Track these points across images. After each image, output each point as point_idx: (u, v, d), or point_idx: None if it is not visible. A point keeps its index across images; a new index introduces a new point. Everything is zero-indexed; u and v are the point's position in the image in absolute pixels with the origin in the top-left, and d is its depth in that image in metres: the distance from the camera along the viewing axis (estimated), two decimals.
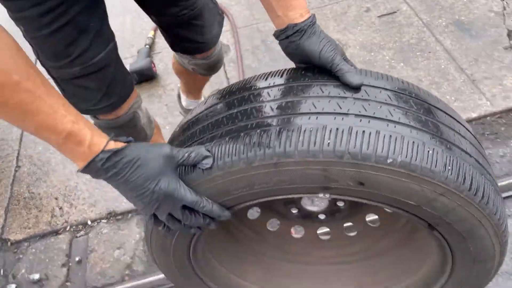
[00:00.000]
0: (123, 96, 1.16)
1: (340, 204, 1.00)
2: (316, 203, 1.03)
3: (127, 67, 2.20)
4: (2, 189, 1.90)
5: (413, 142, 0.66)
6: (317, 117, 0.69)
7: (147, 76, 2.19)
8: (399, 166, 0.66)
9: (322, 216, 1.06)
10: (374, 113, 0.69)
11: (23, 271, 1.62)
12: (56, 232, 1.71)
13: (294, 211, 1.05)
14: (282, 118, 0.71)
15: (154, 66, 2.25)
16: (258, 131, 0.70)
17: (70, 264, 1.61)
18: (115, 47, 1.09)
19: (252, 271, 1.13)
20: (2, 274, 1.62)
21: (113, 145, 0.69)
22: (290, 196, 0.78)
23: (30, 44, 1.00)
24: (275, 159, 0.68)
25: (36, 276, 1.57)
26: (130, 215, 1.71)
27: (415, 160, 0.65)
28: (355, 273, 1.13)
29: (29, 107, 0.64)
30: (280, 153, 0.67)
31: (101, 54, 1.02)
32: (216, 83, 2.08)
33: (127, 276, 1.54)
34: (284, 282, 1.14)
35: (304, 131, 0.67)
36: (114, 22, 2.76)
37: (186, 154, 0.72)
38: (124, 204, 1.74)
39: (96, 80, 1.06)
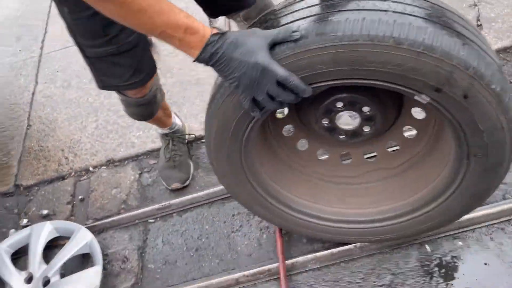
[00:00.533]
0: (150, 72, 1.32)
1: (366, 129, 1.10)
2: (349, 122, 1.12)
3: None
4: (15, 144, 2.14)
5: (507, 80, 0.86)
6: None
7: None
8: (496, 94, 0.83)
9: (342, 136, 1.14)
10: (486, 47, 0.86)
11: (33, 209, 1.85)
12: (62, 178, 1.94)
13: (325, 122, 1.10)
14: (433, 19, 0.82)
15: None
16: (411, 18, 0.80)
17: (74, 202, 1.84)
18: None
19: (295, 184, 1.28)
20: (16, 212, 1.86)
21: (215, 31, 0.82)
22: (394, 86, 0.86)
23: (68, 25, 1.15)
24: (421, 48, 0.79)
25: (45, 212, 1.80)
26: (126, 161, 1.92)
27: (505, 92, 0.84)
28: (376, 190, 1.28)
29: (155, 8, 0.79)
30: (428, 45, 0.78)
31: (134, 35, 1.17)
32: None
33: (123, 209, 1.75)
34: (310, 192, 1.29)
35: (449, 37, 0.80)
36: None
37: (276, 31, 0.83)
38: (121, 152, 1.95)
39: (129, 58, 1.20)
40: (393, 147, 1.28)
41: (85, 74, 2.39)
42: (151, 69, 1.32)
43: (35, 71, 2.50)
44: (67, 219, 1.77)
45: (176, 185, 1.73)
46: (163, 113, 1.64)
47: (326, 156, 1.32)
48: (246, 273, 1.43)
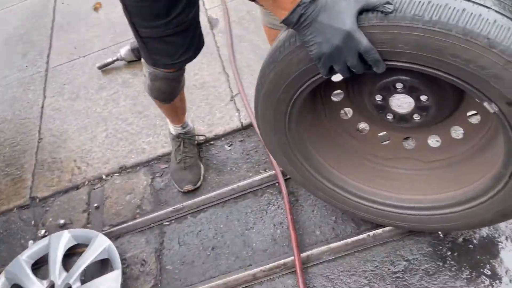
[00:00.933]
0: (198, 50, 1.38)
1: (416, 117, 1.09)
2: (402, 106, 1.11)
3: (128, 46, 2.46)
4: (28, 158, 2.18)
5: None
6: None
7: None
8: None
9: (390, 117, 1.13)
10: None
11: (50, 219, 1.89)
12: (76, 187, 1.98)
13: (378, 99, 1.08)
14: None
15: None
16: None
17: (89, 210, 1.87)
18: (198, 9, 1.30)
19: (327, 149, 1.29)
20: (33, 224, 1.90)
21: None
22: (468, 87, 0.82)
23: (128, 7, 1.20)
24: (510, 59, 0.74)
25: (62, 221, 1.84)
26: (138, 167, 1.96)
27: None
28: (403, 177, 1.28)
29: None
30: None
31: (190, 15, 1.25)
32: (206, 52, 2.31)
33: (138, 214, 1.79)
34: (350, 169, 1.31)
35: None
36: (117, 9, 3.03)
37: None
38: (132, 159, 1.99)
39: (183, 37, 1.27)
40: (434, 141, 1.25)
41: (92, 84, 2.44)
42: (199, 46, 1.37)
43: (42, 85, 2.55)
44: (84, 227, 1.81)
45: (188, 187, 1.76)
46: (180, 103, 1.68)
47: (366, 131, 1.32)
48: (262, 268, 1.46)
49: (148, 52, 1.32)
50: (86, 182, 1.98)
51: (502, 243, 1.33)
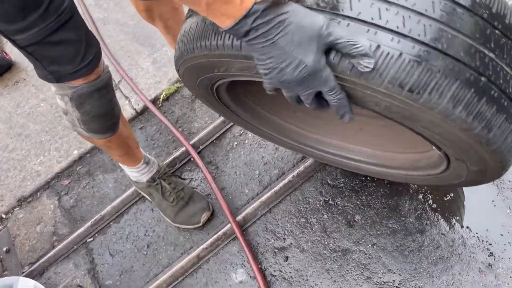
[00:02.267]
0: (98, 45, 1.03)
1: None
2: None
3: None
4: None
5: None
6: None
7: (3, 66, 2.14)
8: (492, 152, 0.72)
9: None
10: None
11: None
12: None
13: None
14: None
15: (7, 54, 2.19)
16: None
17: (0, 256, 1.66)
18: None
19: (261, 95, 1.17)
20: None
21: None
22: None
23: None
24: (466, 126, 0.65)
25: None
26: (38, 193, 1.76)
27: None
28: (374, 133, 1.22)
29: None
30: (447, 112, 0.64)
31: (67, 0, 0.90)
32: None
33: (56, 241, 1.62)
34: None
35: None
36: None
37: (345, 40, 0.60)
38: (29, 186, 1.78)
39: (74, 29, 0.93)
40: None
41: None
42: (96, 41, 1.04)
43: None
44: (0, 276, 1.60)
45: (205, 214, 1.45)
46: (125, 128, 1.29)
47: None
48: (204, 246, 1.41)
49: (42, 66, 0.96)
50: None
51: None
